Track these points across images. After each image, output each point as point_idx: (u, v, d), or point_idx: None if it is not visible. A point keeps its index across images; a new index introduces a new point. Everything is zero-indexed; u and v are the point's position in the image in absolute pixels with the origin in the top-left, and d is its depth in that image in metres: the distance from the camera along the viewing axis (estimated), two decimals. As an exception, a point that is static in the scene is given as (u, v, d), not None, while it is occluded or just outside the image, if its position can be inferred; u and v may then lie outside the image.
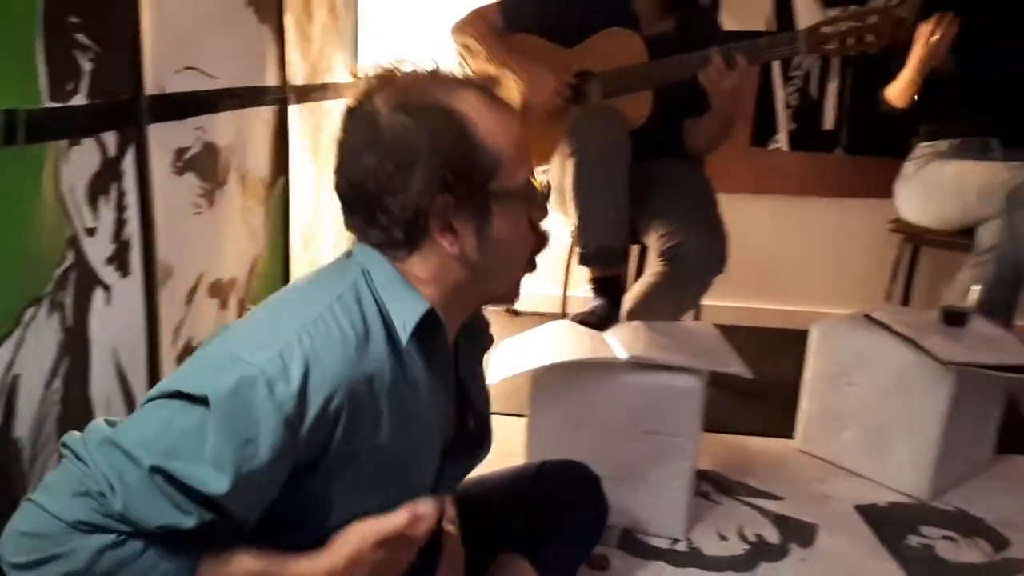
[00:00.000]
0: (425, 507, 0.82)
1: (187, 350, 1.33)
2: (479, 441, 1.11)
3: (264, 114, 1.56)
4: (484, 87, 0.92)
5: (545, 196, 0.97)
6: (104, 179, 1.08)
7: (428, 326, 0.89)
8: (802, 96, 2.76)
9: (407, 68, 0.92)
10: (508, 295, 1.00)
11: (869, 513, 1.78)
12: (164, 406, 0.80)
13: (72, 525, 0.75)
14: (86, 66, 1.02)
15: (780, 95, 2.77)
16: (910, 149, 2.38)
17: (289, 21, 1.65)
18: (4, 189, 0.89)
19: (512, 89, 0.95)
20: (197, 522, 0.77)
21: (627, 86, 2.03)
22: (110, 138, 1.08)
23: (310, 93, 1.80)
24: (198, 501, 0.77)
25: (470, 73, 0.96)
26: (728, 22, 2.69)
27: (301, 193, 1.76)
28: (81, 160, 1.02)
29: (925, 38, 2.12)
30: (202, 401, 0.77)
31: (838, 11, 2.00)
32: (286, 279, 1.73)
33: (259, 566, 0.82)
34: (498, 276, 0.95)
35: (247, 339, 0.83)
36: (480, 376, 1.11)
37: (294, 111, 1.70)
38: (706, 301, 2.17)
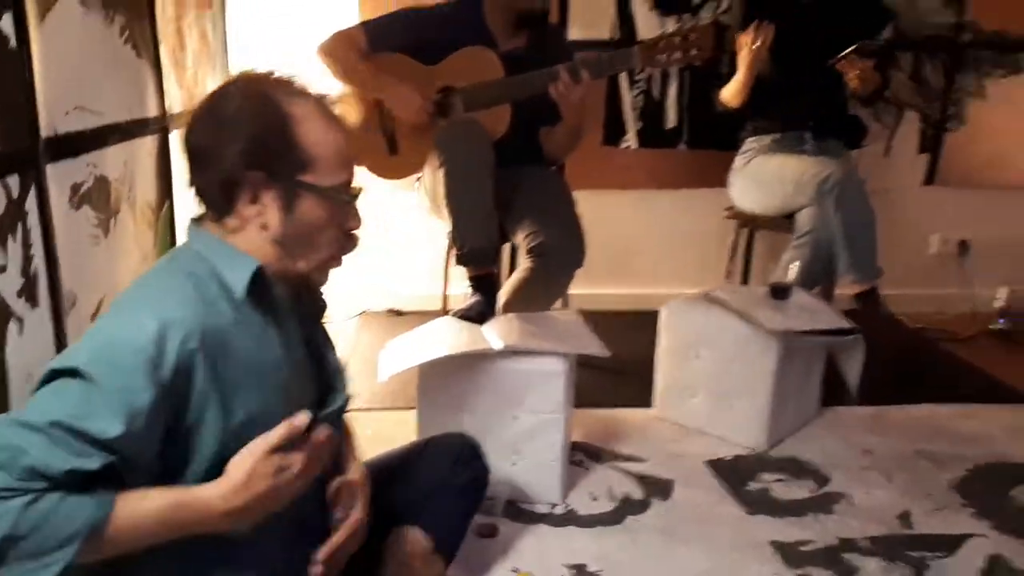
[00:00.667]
0: (300, 417, 1.01)
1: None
2: (334, 389, 1.25)
3: (148, 144, 1.65)
4: (322, 101, 1.09)
5: (353, 209, 1.13)
6: (10, 219, 1.16)
7: (259, 282, 1.06)
8: (646, 98, 3.04)
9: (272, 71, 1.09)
10: (314, 278, 1.16)
11: (717, 466, 2.06)
12: (48, 388, 0.93)
13: None
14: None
15: (627, 98, 3.03)
16: (739, 144, 2.70)
17: (164, 52, 1.73)
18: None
19: (350, 112, 1.11)
20: (101, 463, 0.90)
21: (487, 100, 2.22)
22: (13, 181, 1.16)
23: (181, 118, 1.89)
24: (97, 446, 0.90)
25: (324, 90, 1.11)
26: (575, 32, 2.94)
27: (185, 214, 1.84)
28: (-16, 204, 1.11)
29: (748, 46, 2.42)
30: (75, 372, 0.91)
31: (665, 30, 2.27)
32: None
33: (168, 497, 0.95)
34: (303, 258, 1.11)
35: (112, 318, 1.00)
36: (324, 333, 1.27)
37: (174, 136, 1.79)
38: (571, 290, 2.40)
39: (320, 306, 1.26)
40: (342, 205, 1.11)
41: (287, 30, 2.58)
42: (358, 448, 1.33)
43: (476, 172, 2.12)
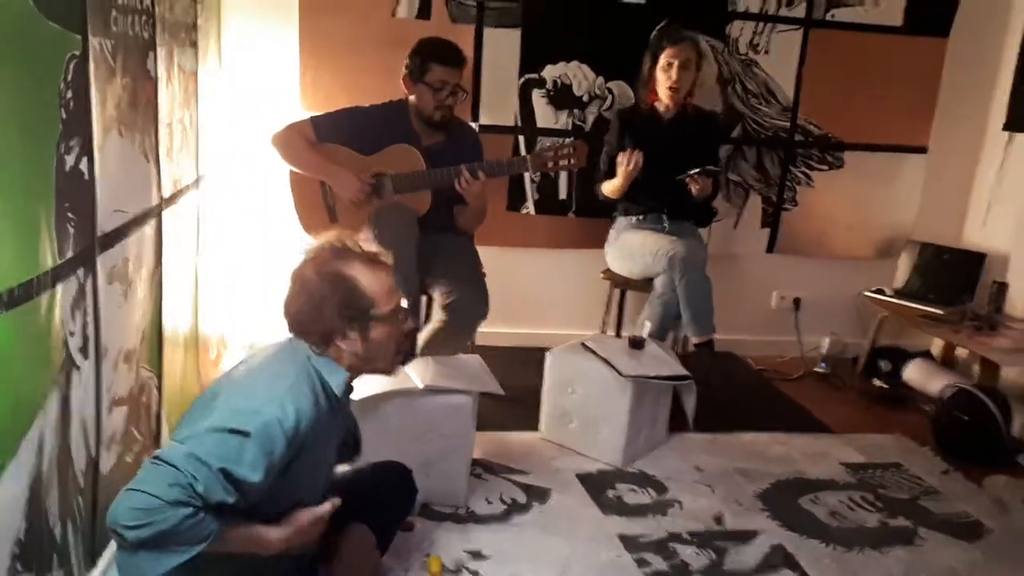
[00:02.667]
0: (334, 502, 1.57)
1: (114, 403, 1.89)
2: (353, 449, 1.87)
3: (150, 226, 2.12)
4: (368, 257, 1.63)
5: (405, 317, 1.68)
6: (78, 298, 1.64)
7: (347, 389, 1.60)
8: (543, 175, 3.63)
9: (323, 244, 1.63)
10: (386, 372, 1.73)
11: (584, 479, 2.64)
12: (219, 436, 1.41)
13: (170, 502, 1.32)
14: (71, 231, 1.58)
15: (527, 175, 3.62)
16: (612, 220, 3.34)
17: (163, 151, 2.21)
18: (41, 319, 1.45)
19: (388, 258, 1.66)
20: (234, 500, 1.40)
21: (410, 186, 2.77)
22: (81, 271, 1.64)
23: (174, 198, 2.36)
24: (238, 488, 1.39)
25: (359, 249, 1.64)
26: (485, 118, 3.52)
27: (168, 277, 2.32)
28: (68, 289, 1.58)
29: (624, 165, 3.05)
30: (245, 434, 1.41)
31: (550, 143, 2.89)
32: (159, 340, 2.28)
33: (250, 530, 1.48)
34: (378, 361, 1.68)
35: (262, 396, 1.49)
36: (350, 412, 1.84)
37: (166, 216, 2.26)
38: (485, 329, 2.92)
39: (350, 388, 1.77)
40: (398, 320, 1.66)
41: (244, 118, 3.09)
42: None
43: (402, 244, 2.63)
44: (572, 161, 2.76)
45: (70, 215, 1.57)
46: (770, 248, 3.93)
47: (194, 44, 2.57)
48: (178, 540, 1.35)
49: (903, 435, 3.15)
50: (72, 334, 1.62)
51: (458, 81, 2.76)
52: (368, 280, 1.60)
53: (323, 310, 1.57)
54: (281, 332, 1.67)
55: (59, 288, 1.52)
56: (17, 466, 1.39)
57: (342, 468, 1.91)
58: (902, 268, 3.89)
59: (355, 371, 1.66)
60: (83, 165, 1.63)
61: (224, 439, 1.41)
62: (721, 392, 3.26)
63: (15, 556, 1.41)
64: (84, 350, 1.69)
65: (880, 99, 3.78)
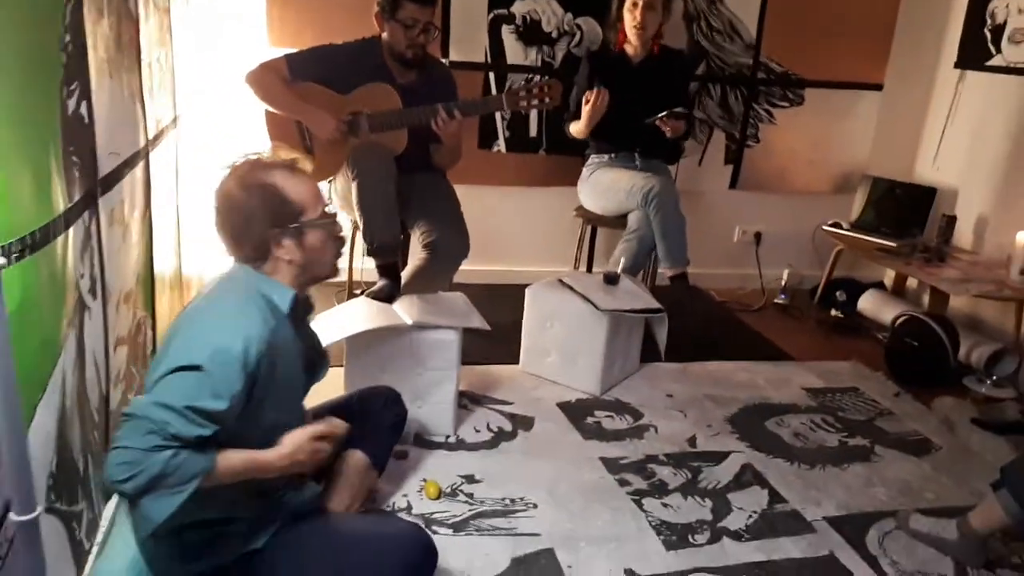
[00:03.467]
0: (338, 424, 1.63)
1: (118, 342, 1.93)
2: (321, 365, 1.87)
3: (140, 168, 2.13)
4: (289, 165, 1.64)
5: (334, 220, 1.69)
6: (85, 241, 1.66)
7: (295, 304, 1.63)
8: (513, 112, 3.66)
9: (246, 157, 1.64)
10: (328, 275, 1.73)
11: (564, 407, 2.77)
12: (175, 376, 1.44)
13: (149, 449, 1.38)
14: (76, 175, 1.60)
15: (499, 112, 3.65)
16: (585, 159, 3.41)
17: (146, 91, 2.20)
18: (58, 262, 1.48)
19: (306, 165, 1.68)
20: (212, 431, 1.44)
21: (387, 125, 2.78)
22: (87, 214, 1.66)
23: (158, 139, 2.35)
24: (210, 418, 1.44)
25: (277, 154, 1.65)
26: (455, 54, 3.53)
27: (156, 219, 2.33)
28: (77, 232, 1.61)
29: (591, 102, 3.09)
30: (197, 368, 1.44)
31: (524, 82, 2.91)
32: (152, 282, 2.31)
33: (247, 455, 1.53)
34: (316, 267, 1.68)
35: (207, 328, 1.52)
36: (311, 329, 1.86)
37: (153, 157, 2.26)
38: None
39: (311, 307, 1.83)
40: (329, 224, 1.67)
41: (215, 55, 3.04)
42: None
43: (382, 183, 2.69)
44: (547, 100, 2.80)
45: (75, 158, 1.59)
46: (733, 184, 4.06)
47: (167, -20, 2.52)
48: (172, 481, 1.39)
49: (859, 361, 3.35)
50: (82, 276, 1.65)
51: (429, 19, 2.76)
52: (292, 186, 1.60)
53: (253, 222, 1.57)
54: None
55: (71, 231, 1.55)
56: (47, 402, 1.44)
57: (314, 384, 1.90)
58: (857, 202, 4.05)
59: (299, 283, 1.65)
60: (83, 109, 1.63)
61: (182, 378, 1.43)
62: (689, 324, 3.41)
63: (50, 487, 1.47)
64: (93, 291, 1.72)
65: (839, 37, 3.88)
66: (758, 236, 4.16)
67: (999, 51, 3.59)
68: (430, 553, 1.72)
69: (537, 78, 3.10)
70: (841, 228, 3.95)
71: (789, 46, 3.86)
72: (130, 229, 2.02)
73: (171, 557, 1.61)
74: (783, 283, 4.05)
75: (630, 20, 3.22)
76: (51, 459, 1.47)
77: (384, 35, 2.82)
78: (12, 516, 1.01)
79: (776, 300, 4.01)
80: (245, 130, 3.02)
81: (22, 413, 1.05)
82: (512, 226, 3.87)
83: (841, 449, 2.65)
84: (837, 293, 3.90)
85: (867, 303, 3.84)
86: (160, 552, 1.61)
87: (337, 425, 1.66)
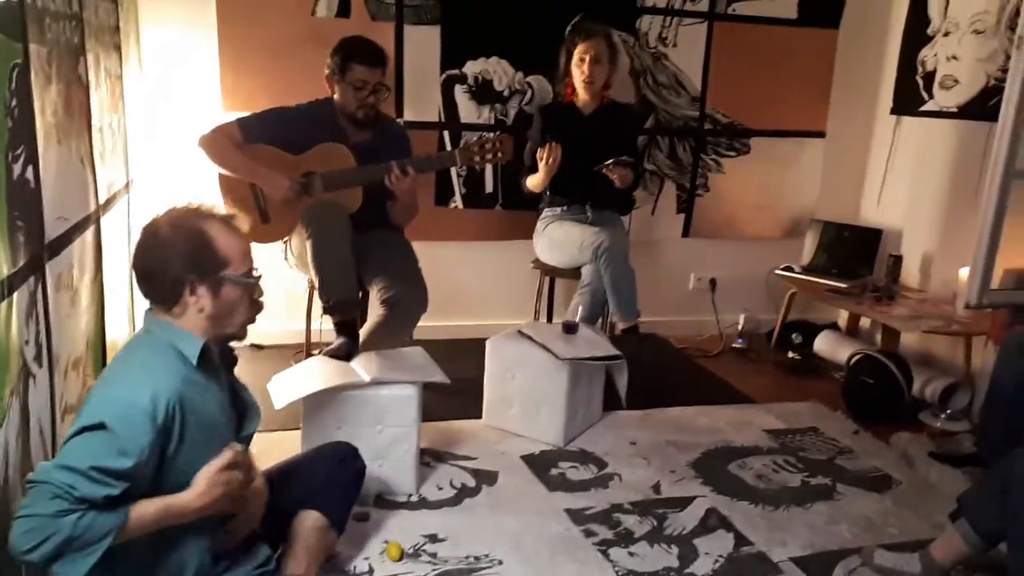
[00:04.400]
0: (236, 447, 1.58)
1: (66, 410, 1.88)
2: (252, 416, 1.81)
3: (90, 232, 2.11)
4: (225, 219, 1.65)
5: (257, 283, 1.69)
6: (32, 308, 1.63)
7: (204, 353, 1.60)
8: (469, 170, 3.71)
9: (186, 204, 1.64)
10: (236, 336, 1.71)
11: (528, 460, 2.75)
12: (80, 438, 1.41)
13: (54, 515, 1.33)
14: (21, 239, 1.58)
15: (454, 169, 3.69)
16: (539, 212, 3.46)
17: (96, 156, 2.19)
18: (0, 329, 1.45)
19: (242, 221, 1.68)
20: (121, 490, 1.40)
21: (341, 183, 2.81)
22: (32, 279, 1.64)
23: (109, 204, 2.34)
24: (117, 477, 1.39)
25: (216, 210, 1.65)
26: (409, 114, 3.58)
27: (108, 283, 2.30)
28: (22, 298, 1.58)
29: (544, 159, 3.16)
30: (101, 426, 1.40)
31: (476, 137, 2.97)
32: (103, 347, 2.26)
33: (160, 503, 1.47)
34: (230, 324, 1.66)
35: (114, 386, 1.50)
36: (237, 380, 1.82)
37: (104, 220, 2.25)
38: (422, 323, 2.97)
39: (234, 359, 1.81)
40: (250, 285, 1.66)
41: (169, 121, 3.06)
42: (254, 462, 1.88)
43: (336, 241, 2.69)
44: (499, 155, 2.86)
45: (19, 223, 1.57)
46: (685, 232, 4.13)
47: (118, 47, 2.55)
48: (82, 543, 1.36)
49: (817, 401, 3.39)
50: (27, 342, 1.62)
51: (379, 80, 2.81)
52: (223, 238, 1.60)
53: (172, 261, 1.55)
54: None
55: (15, 296, 1.52)
56: (-14, 476, 1.39)
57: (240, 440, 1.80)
58: (808, 246, 4.15)
59: (209, 335, 1.62)
60: (29, 173, 1.63)
61: (86, 439, 1.41)
62: (648, 371, 3.43)
63: (-12, 564, 1.41)
64: (39, 358, 1.69)
65: (780, 88, 4.03)
66: (713, 282, 4.22)
67: (931, 96, 3.75)
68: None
69: (490, 135, 3.14)
70: (793, 271, 4.03)
71: (733, 98, 3.99)
72: (80, 294, 1.99)
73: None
74: (740, 327, 4.11)
75: (579, 74, 3.31)
76: (-9, 533, 1.42)
77: (336, 96, 2.86)
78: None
79: (734, 344, 4.05)
80: (199, 193, 3.01)
81: None
82: (471, 280, 3.88)
83: (804, 489, 2.66)
84: (793, 335, 3.96)
85: (822, 344, 3.90)
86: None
87: (235, 447, 1.59)
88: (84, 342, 2.06)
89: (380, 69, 2.81)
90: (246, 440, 1.81)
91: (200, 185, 2.94)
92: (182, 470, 1.54)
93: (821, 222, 4.14)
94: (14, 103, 1.54)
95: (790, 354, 3.89)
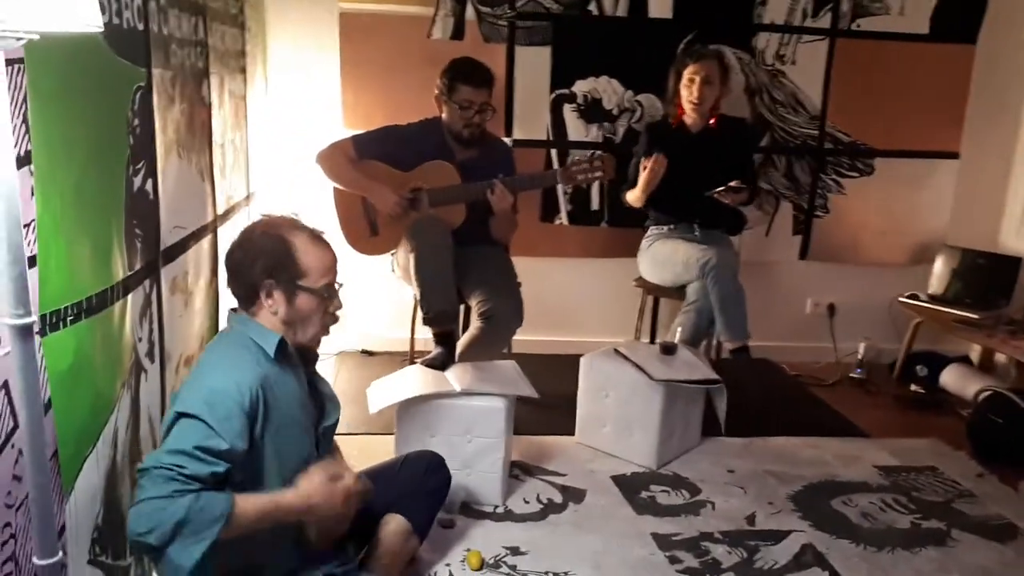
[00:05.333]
0: (342, 466, 1.65)
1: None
2: (332, 409, 1.89)
3: (207, 241, 2.28)
4: (313, 233, 1.73)
5: (334, 298, 1.76)
6: (145, 307, 1.78)
7: (282, 349, 1.68)
8: (575, 187, 3.73)
9: (285, 214, 1.74)
10: (307, 345, 1.79)
11: (619, 480, 2.73)
12: (178, 426, 1.51)
13: (169, 496, 1.43)
14: (139, 245, 1.73)
15: (560, 186, 3.73)
16: (645, 230, 3.43)
17: (216, 170, 2.37)
18: (115, 325, 1.60)
19: (329, 241, 1.75)
20: (224, 468, 1.49)
21: (446, 199, 2.89)
22: (147, 282, 1.79)
23: (227, 215, 2.52)
24: (218, 456, 1.49)
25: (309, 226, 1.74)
26: (519, 132, 3.64)
27: (224, 287, 2.47)
28: (137, 299, 1.73)
29: (648, 169, 3.13)
30: (195, 414, 1.51)
31: (579, 156, 2.98)
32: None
33: (265, 499, 1.56)
34: (299, 331, 1.73)
35: (201, 380, 1.59)
36: (318, 376, 1.90)
37: (221, 231, 2.42)
38: (518, 336, 3.00)
39: (315, 356, 1.90)
40: (326, 298, 1.74)
41: (285, 135, 3.25)
42: (344, 459, 1.97)
43: (438, 255, 2.78)
44: (600, 174, 2.86)
45: (138, 231, 1.72)
46: (803, 255, 3.98)
47: (243, 70, 2.73)
48: (195, 527, 1.43)
49: (939, 439, 3.17)
50: (140, 340, 1.77)
51: (485, 100, 2.88)
52: (306, 251, 1.68)
53: (254, 263, 1.65)
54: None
55: (129, 297, 1.67)
56: (97, 456, 1.53)
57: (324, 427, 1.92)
58: (937, 273, 3.90)
59: (284, 334, 1.70)
60: (148, 186, 1.78)
61: (184, 426, 1.51)
62: (756, 397, 3.32)
63: (95, 539, 1.55)
64: (151, 354, 1.83)
65: (909, 106, 3.82)
66: (832, 308, 4.05)
67: (1081, 116, 3.46)
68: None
69: (592, 153, 3.14)
70: (919, 300, 3.80)
71: (856, 116, 3.82)
72: (194, 297, 2.15)
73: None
74: (859, 356, 3.90)
75: (687, 95, 3.26)
76: (97, 512, 1.56)
77: (444, 115, 2.95)
78: (35, 560, 1.08)
79: (851, 374, 3.86)
80: (316, 205, 3.18)
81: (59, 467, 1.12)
82: (575, 297, 3.90)
83: (913, 531, 2.50)
84: (918, 367, 3.74)
85: (949, 378, 3.65)
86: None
87: (344, 465, 1.67)
88: (198, 341, 2.22)
89: (486, 90, 2.88)
90: (327, 432, 1.91)
91: (318, 198, 3.11)
92: (268, 458, 1.64)
93: (953, 248, 3.88)
94: (136, 122, 1.70)
95: (913, 387, 3.67)
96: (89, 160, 1.47)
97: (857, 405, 3.55)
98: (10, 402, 1.22)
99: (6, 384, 1.21)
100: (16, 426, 1.24)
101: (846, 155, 3.86)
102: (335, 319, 1.79)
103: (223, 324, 2.46)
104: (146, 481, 1.45)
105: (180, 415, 1.52)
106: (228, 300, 2.50)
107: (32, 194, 1.27)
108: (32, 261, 1.28)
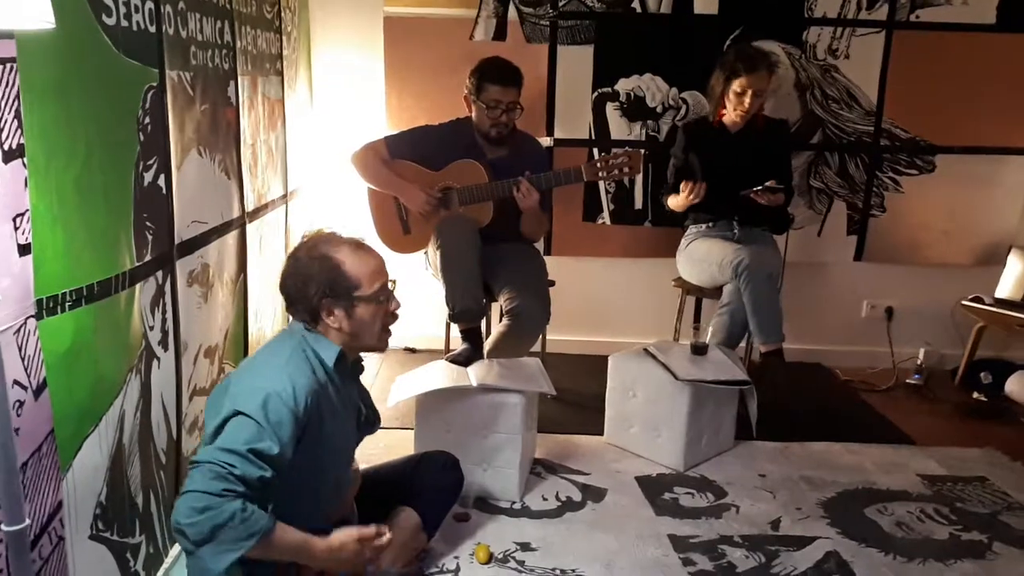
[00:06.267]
0: (380, 529, 1.69)
1: (195, 392, 2.12)
2: (372, 422, 1.96)
3: (232, 236, 2.37)
4: (354, 243, 1.78)
5: (389, 297, 1.80)
6: (156, 297, 1.87)
7: (340, 360, 1.74)
8: (618, 185, 3.71)
9: (318, 230, 1.79)
10: (375, 348, 1.84)
11: (642, 481, 2.69)
12: (232, 424, 1.56)
13: (219, 494, 1.47)
14: (150, 237, 1.82)
15: (602, 185, 3.71)
16: (684, 229, 3.37)
17: (245, 168, 2.46)
18: (120, 312, 1.68)
19: (369, 246, 1.80)
20: (272, 474, 1.54)
21: (475, 198, 2.92)
22: (159, 273, 1.88)
23: (258, 212, 2.61)
24: (268, 461, 1.53)
25: (347, 236, 1.79)
26: (560, 132, 3.64)
27: (253, 283, 2.56)
28: (148, 289, 1.82)
29: (685, 194, 3.07)
30: (250, 415, 1.56)
31: (603, 155, 2.95)
32: (246, 340, 2.52)
33: (300, 534, 1.60)
34: (364, 338, 1.79)
35: (259, 377, 1.64)
36: (362, 385, 1.96)
37: (250, 228, 2.51)
38: (554, 335, 2.99)
39: (361, 367, 1.96)
40: (383, 301, 1.79)
41: (328, 136, 3.34)
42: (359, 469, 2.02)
43: (464, 253, 2.79)
44: (627, 170, 2.83)
45: (148, 224, 1.81)
46: (858, 256, 3.83)
47: (279, 73, 2.82)
48: (232, 535, 1.46)
49: (995, 449, 3.01)
50: (152, 328, 1.85)
51: (513, 99, 2.89)
52: (353, 263, 1.73)
53: (309, 288, 1.70)
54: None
55: (137, 287, 1.75)
56: (99, 436, 1.61)
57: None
58: (1008, 276, 3.68)
59: (347, 347, 1.77)
60: (160, 181, 1.87)
61: (240, 424, 1.55)
62: (796, 401, 3.22)
63: (97, 515, 1.63)
64: (163, 343, 1.92)
65: (974, 100, 3.63)
66: (889, 311, 3.88)
67: None
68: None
69: (619, 150, 3.09)
70: (983, 303, 3.60)
71: (915, 111, 3.65)
72: (215, 290, 2.24)
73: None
74: (919, 362, 3.73)
75: (736, 104, 3.16)
76: (99, 490, 1.64)
77: (473, 115, 2.98)
78: (2, 527, 1.15)
79: (908, 380, 3.69)
80: (359, 205, 3.26)
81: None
82: (615, 297, 3.86)
83: (951, 543, 2.37)
84: (982, 374, 3.55)
85: (1015, 385, 3.44)
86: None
87: (381, 534, 1.71)
88: (221, 334, 2.31)
89: (513, 88, 2.89)
90: (357, 441, 1.97)
91: (360, 198, 3.18)
92: (307, 465, 1.67)
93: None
94: (147, 121, 1.78)
95: (975, 395, 3.49)
96: (91, 155, 1.55)
97: (910, 412, 3.39)
98: (1, 380, 1.30)
99: (-4, 362, 1.29)
100: None
101: (904, 152, 3.70)
102: (395, 317, 1.84)
103: (252, 320, 2.57)
104: (197, 474, 1.49)
105: (237, 412, 1.56)
106: (257, 296, 2.61)
107: (25, 185, 1.35)
108: (27, 249, 1.37)
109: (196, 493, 1.47)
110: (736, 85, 3.15)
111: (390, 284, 1.81)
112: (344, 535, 1.66)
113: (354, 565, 1.70)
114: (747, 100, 3.13)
